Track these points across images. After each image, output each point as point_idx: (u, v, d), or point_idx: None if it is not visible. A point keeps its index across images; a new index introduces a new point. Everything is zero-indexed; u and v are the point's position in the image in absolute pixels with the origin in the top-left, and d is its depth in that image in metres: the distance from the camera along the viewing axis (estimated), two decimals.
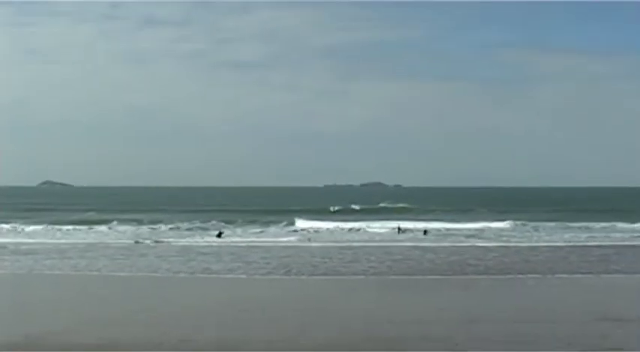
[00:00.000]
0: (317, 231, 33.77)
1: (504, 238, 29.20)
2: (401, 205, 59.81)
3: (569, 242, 26.06)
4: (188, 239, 28.50)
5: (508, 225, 36.40)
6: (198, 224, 37.31)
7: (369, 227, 35.70)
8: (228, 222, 39.10)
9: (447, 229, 34.82)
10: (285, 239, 28.37)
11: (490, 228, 35.06)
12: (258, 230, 34.92)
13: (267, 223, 38.72)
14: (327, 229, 35.08)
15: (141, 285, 14.96)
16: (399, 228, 33.83)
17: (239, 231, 34.25)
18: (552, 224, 37.09)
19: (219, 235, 30.33)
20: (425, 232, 32.02)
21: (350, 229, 34.68)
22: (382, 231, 33.69)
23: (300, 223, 37.60)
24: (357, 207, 59.49)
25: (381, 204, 60.57)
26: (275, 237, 29.94)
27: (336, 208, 56.18)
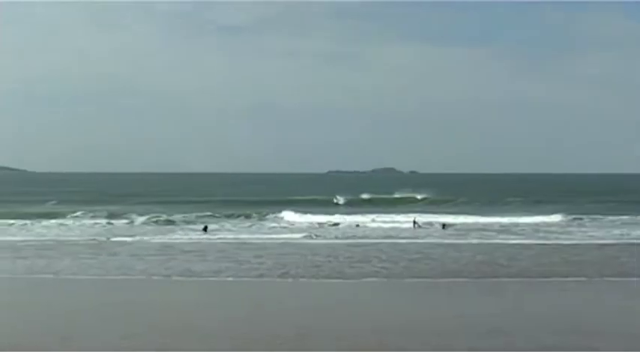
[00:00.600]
0: (315, 225, 34.19)
1: (541, 234, 29.25)
2: (418, 195, 59.84)
3: (620, 239, 26.03)
4: (168, 235, 28.78)
5: (546, 219, 36.23)
6: (179, 216, 37.69)
7: (380, 220, 35.90)
8: (215, 214, 39.53)
9: (473, 223, 34.91)
10: (284, 236, 28.47)
11: (524, 222, 35.16)
12: (249, 224, 35.31)
13: (259, 215, 39.26)
14: (329, 223, 34.97)
15: (108, 290, 15.04)
16: (415, 222, 34.04)
17: (228, 225, 34.50)
18: (599, 217, 37.14)
19: (204, 229, 30.79)
20: (444, 226, 32.29)
21: (357, 224, 34.73)
22: (396, 225, 33.85)
23: (294, 217, 37.63)
24: (367, 196, 59.66)
25: (395, 195, 60.64)
26: (274, 233, 30.19)
27: (342, 199, 56.41)
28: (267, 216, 38.97)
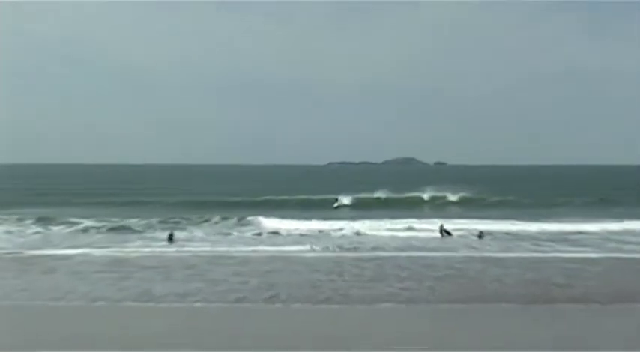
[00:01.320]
0: (312, 233, 34.16)
1: (612, 244, 28.94)
2: (446, 194, 59.47)
3: None
4: (121, 246, 28.85)
5: (616, 225, 35.88)
6: (136, 221, 37.94)
7: (397, 228, 35.83)
8: (184, 219, 39.80)
9: (519, 231, 34.67)
10: (272, 248, 28.35)
11: (586, 230, 34.72)
12: (227, 231, 35.22)
13: (239, 220, 39.52)
14: (330, 230, 34.84)
15: (37, 319, 14.77)
16: (442, 229, 34.16)
17: (200, 232, 34.58)
18: None
19: (170, 239, 30.84)
20: (481, 234, 32.39)
21: (364, 232, 34.57)
22: (418, 234, 33.68)
23: (284, 223, 37.62)
24: (379, 195, 59.58)
25: (416, 193, 60.35)
26: (259, 244, 30.22)
27: (346, 199, 56.59)
28: (250, 221, 39.14)
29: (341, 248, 28.44)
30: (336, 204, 54.42)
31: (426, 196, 59.08)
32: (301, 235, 33.64)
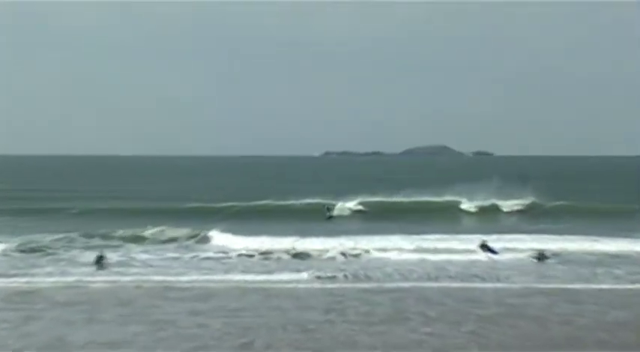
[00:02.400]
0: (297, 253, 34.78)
1: None
2: (487, 198, 59.20)
3: None
4: (30, 272, 29.03)
5: None
6: (53, 238, 38.17)
7: (422, 247, 36.08)
8: (118, 234, 39.89)
9: (594, 251, 34.80)
10: (245, 277, 28.59)
11: None
12: (178, 253, 35.55)
13: (195, 236, 40.01)
14: (325, 251, 35.09)
15: None
16: (485, 247, 34.52)
17: (141, 253, 34.80)
18: None
19: (98, 262, 31.25)
20: (541, 256, 32.63)
21: (372, 252, 34.90)
22: (450, 257, 33.75)
23: (260, 241, 38.03)
24: (396, 198, 59.73)
25: (445, 196, 60.15)
26: (226, 270, 30.57)
27: (347, 206, 57.05)
28: (212, 237, 39.64)
29: (343, 275, 28.60)
30: (329, 214, 54.76)
31: (460, 200, 58.98)
32: (280, 258, 33.93)
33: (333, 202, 57.31)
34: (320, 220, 51.07)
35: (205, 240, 39.35)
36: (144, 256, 34.00)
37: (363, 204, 57.83)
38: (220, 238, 39.24)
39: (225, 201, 60.03)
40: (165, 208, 57.13)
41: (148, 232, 40.55)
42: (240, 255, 34.67)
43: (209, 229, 40.75)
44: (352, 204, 57.47)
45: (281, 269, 30.33)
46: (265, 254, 34.94)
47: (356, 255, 34.41)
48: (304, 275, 28.96)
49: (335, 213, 55.23)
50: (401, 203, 58.98)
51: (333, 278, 27.98)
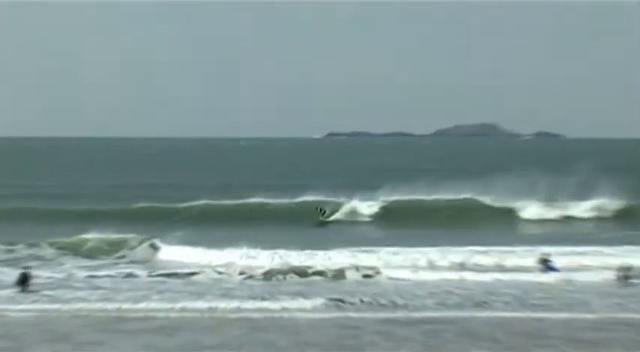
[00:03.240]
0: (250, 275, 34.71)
1: None
2: (552, 198, 57.92)
3: None
4: None
5: None
6: None
7: (465, 264, 36.24)
8: (47, 243, 39.70)
9: None
10: (218, 304, 28.20)
11: None
12: (129, 268, 35.66)
13: (148, 244, 40.38)
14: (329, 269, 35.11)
15: None
16: (544, 260, 34.86)
17: (77, 270, 34.72)
18: None
19: (22, 282, 31.06)
20: (625, 277, 32.47)
21: (387, 271, 34.68)
22: (501, 276, 33.61)
23: (217, 255, 38.14)
24: (423, 196, 58.88)
25: (489, 195, 58.91)
26: (194, 293, 30.36)
27: (333, 212, 56.57)
28: (171, 249, 39.78)
29: (356, 301, 28.23)
30: (322, 218, 54.89)
31: (511, 199, 58.04)
32: (267, 275, 34.16)
33: (336, 200, 57.57)
34: (312, 225, 51.90)
35: (165, 252, 39.54)
36: (83, 274, 33.91)
37: (378, 204, 57.79)
38: (185, 251, 39.29)
39: (191, 200, 60.02)
40: (112, 210, 57.12)
41: (89, 242, 40.47)
42: (213, 273, 34.60)
43: (169, 238, 40.99)
44: (363, 205, 57.32)
45: (271, 293, 30.09)
46: (247, 271, 34.91)
47: (370, 275, 34.35)
48: (304, 300, 28.56)
49: (332, 216, 55.32)
50: (429, 203, 58.41)
51: (343, 305, 27.69)
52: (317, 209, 55.59)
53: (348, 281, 33.22)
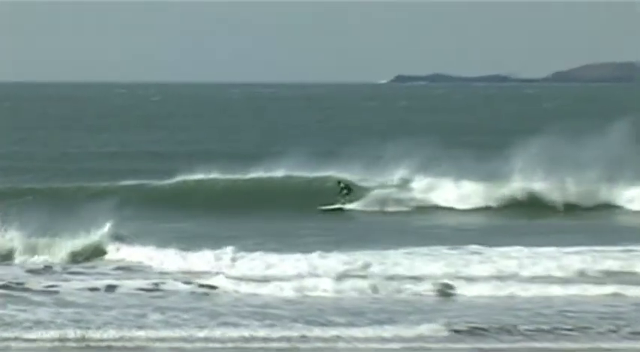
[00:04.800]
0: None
1: None
2: None
3: None
4: None
5: None
6: None
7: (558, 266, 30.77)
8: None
9: None
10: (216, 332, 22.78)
11: None
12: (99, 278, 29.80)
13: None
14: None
15: None
16: None
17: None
18: None
19: None
20: None
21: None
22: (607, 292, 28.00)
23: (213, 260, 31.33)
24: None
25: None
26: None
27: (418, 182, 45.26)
28: (130, 249, 33.24)
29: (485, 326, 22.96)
30: (343, 200, 44.85)
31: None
32: (280, 280, 28.11)
33: (367, 178, 46.57)
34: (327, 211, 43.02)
35: (123, 255, 32.75)
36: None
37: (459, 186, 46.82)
38: (149, 252, 32.19)
39: (174, 174, 50.04)
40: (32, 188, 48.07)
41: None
42: (204, 286, 28.13)
43: (120, 234, 33.78)
44: (420, 183, 46.41)
45: (311, 315, 24.10)
46: (260, 281, 28.58)
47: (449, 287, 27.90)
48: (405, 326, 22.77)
49: (347, 191, 44.54)
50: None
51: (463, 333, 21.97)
52: (339, 185, 45.26)
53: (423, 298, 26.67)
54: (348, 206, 44.83)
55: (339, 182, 45.38)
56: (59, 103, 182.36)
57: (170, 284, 28.95)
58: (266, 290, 27.71)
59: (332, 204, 44.53)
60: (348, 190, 44.79)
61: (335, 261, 30.51)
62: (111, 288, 28.47)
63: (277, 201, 45.36)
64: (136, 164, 64.01)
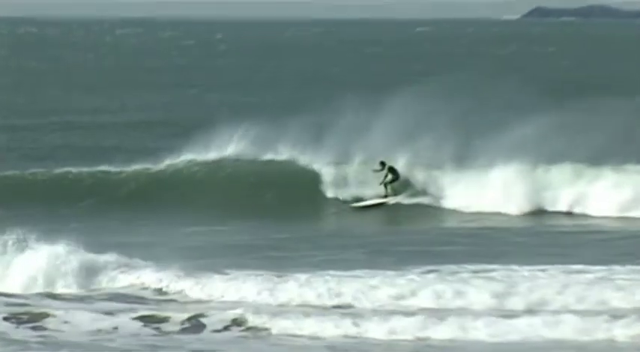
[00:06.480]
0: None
1: None
2: None
3: None
4: None
5: None
6: None
7: None
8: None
9: None
10: None
11: None
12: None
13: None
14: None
15: None
16: None
17: None
18: None
19: None
20: None
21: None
22: None
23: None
24: None
25: None
26: None
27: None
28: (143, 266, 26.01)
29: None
30: (385, 179, 34.28)
31: None
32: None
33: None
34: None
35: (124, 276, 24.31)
36: None
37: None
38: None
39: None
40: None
41: None
42: (189, 319, 21.48)
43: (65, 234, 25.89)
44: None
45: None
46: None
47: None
48: None
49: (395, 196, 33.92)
50: None
51: None
52: (382, 167, 34.13)
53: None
54: (392, 200, 33.80)
55: (382, 163, 33.72)
56: None
57: None
58: None
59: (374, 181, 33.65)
60: (395, 175, 34.01)
61: None
62: None
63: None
64: None
